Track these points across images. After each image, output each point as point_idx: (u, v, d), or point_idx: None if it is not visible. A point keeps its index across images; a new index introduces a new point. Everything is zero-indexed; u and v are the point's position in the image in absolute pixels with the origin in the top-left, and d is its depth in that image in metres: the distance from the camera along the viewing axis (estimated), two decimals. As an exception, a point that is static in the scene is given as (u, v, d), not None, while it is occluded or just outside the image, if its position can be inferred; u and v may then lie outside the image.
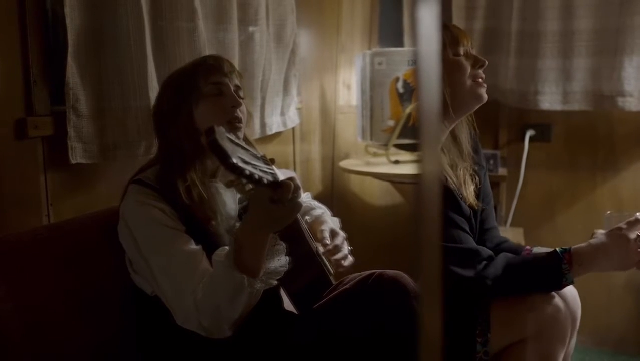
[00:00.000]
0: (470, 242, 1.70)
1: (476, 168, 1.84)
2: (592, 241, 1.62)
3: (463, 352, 1.63)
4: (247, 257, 1.34)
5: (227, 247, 1.39)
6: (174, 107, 1.54)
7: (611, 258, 1.59)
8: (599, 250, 1.59)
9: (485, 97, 1.75)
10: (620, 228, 1.59)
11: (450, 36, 1.74)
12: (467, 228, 1.72)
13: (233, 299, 1.34)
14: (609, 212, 1.70)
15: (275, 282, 1.43)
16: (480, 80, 1.75)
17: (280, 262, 1.42)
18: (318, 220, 1.79)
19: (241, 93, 1.61)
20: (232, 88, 1.57)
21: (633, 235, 1.57)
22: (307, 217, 1.79)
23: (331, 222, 1.81)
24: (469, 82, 1.73)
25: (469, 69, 1.74)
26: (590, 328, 2.88)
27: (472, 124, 1.87)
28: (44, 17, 1.61)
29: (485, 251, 1.68)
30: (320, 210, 1.87)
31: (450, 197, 1.69)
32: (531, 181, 3.15)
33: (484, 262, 1.64)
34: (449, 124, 1.78)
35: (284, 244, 1.43)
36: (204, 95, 1.54)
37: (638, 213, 1.62)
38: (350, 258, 1.69)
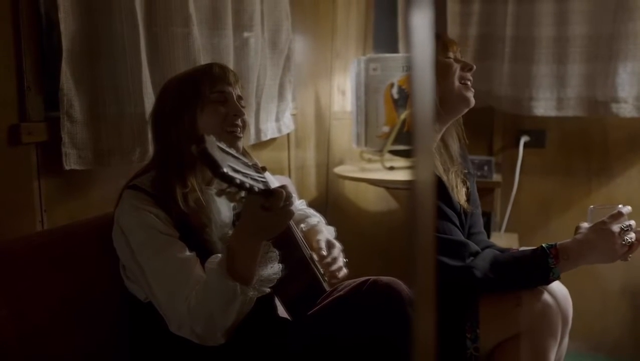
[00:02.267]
0: (459, 235, 1.73)
1: (465, 172, 1.88)
2: (577, 237, 1.66)
3: (453, 349, 1.64)
4: (240, 265, 1.34)
5: (220, 255, 1.39)
6: (177, 111, 1.55)
7: (596, 252, 1.63)
8: (584, 245, 1.63)
9: (472, 101, 1.80)
10: (604, 223, 1.63)
11: (440, 43, 1.80)
12: (457, 222, 1.74)
13: (226, 307, 1.34)
14: (592, 206, 1.72)
15: (268, 290, 1.43)
16: (468, 83, 1.80)
17: (273, 269, 1.43)
18: (314, 229, 1.80)
19: (243, 103, 1.62)
20: (235, 97, 1.59)
21: (616, 228, 1.61)
22: (302, 225, 1.80)
23: (327, 232, 1.82)
24: (456, 83, 1.78)
25: (457, 71, 1.78)
26: (585, 333, 2.88)
27: (462, 132, 1.92)
28: (39, 22, 1.61)
29: (473, 246, 1.71)
30: (316, 218, 1.87)
31: (441, 189, 1.72)
32: (526, 187, 3.16)
33: (472, 257, 1.67)
34: (439, 127, 1.82)
35: (276, 251, 1.44)
36: (209, 101, 1.55)
37: (620, 206, 1.66)
38: (345, 271, 1.70)
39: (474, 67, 1.81)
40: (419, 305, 0.65)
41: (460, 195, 1.81)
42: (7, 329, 1.34)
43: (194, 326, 1.36)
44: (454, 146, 1.88)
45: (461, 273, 1.63)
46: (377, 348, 1.37)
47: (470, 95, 1.79)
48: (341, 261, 1.71)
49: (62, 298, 1.46)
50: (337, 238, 1.84)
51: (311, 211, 1.91)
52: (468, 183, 1.87)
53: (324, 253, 1.67)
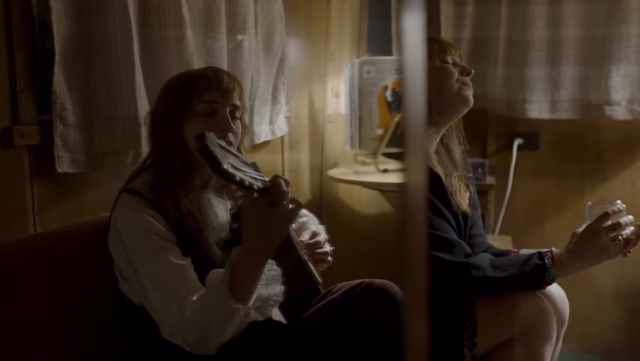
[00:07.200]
0: (453, 235, 1.72)
1: (469, 176, 1.89)
2: (569, 246, 1.67)
3: (450, 357, 1.63)
4: (243, 283, 1.34)
5: (222, 270, 1.38)
6: (166, 118, 1.51)
7: (589, 256, 1.64)
8: (573, 253, 1.64)
9: (471, 100, 1.80)
10: (590, 226, 1.65)
11: (438, 46, 1.80)
12: (453, 223, 1.74)
13: (224, 324, 1.34)
14: (590, 203, 1.72)
15: (270, 313, 1.44)
16: (467, 85, 1.79)
17: (275, 290, 1.43)
18: (302, 227, 1.79)
19: (238, 114, 1.55)
20: (227, 109, 1.51)
21: (604, 231, 1.62)
22: (292, 225, 1.78)
23: (315, 227, 1.80)
24: (455, 85, 1.78)
25: (455, 75, 1.78)
26: (579, 336, 2.88)
27: (462, 137, 1.92)
28: (31, 25, 1.60)
29: (466, 247, 1.71)
30: (306, 217, 1.86)
31: (439, 188, 1.73)
32: (519, 189, 3.16)
33: (465, 256, 1.68)
34: (437, 130, 1.82)
35: (279, 270, 1.44)
36: (196, 113, 1.49)
37: (618, 202, 1.67)
38: (329, 259, 1.70)
39: (473, 71, 1.81)
40: (411, 307, 0.65)
41: (463, 199, 1.82)
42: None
43: (186, 335, 1.35)
44: (457, 151, 1.89)
45: (458, 269, 1.64)
46: (371, 351, 1.37)
47: (470, 94, 1.79)
48: (327, 247, 1.70)
49: (54, 302, 1.45)
50: (330, 239, 1.83)
51: (303, 211, 1.88)
52: (471, 188, 1.89)
53: (306, 238, 1.65)
